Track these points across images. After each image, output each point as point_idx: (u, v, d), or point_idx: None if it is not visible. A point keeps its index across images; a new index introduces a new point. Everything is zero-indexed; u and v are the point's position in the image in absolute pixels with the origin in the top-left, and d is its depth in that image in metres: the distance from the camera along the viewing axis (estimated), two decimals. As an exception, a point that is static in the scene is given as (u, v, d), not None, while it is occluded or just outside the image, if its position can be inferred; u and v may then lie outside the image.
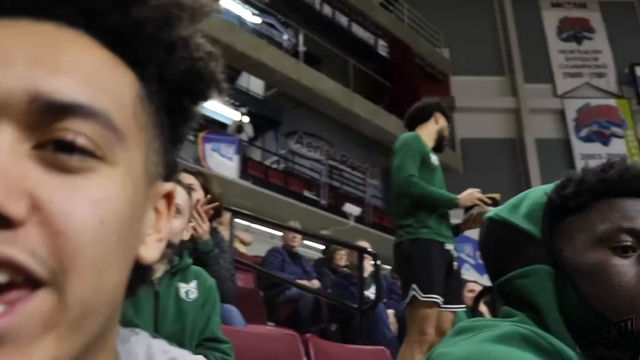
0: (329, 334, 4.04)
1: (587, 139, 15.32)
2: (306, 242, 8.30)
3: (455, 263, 2.70)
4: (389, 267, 6.04)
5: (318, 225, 10.13)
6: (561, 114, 15.65)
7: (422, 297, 2.50)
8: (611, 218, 0.70)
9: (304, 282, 4.70)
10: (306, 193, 11.11)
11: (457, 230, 2.77)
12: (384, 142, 13.34)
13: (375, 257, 3.96)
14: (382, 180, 14.65)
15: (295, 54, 11.70)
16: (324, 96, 11.56)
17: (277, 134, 12.76)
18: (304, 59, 11.56)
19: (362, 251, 4.11)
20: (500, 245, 0.79)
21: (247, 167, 10.19)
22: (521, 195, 0.82)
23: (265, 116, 12.24)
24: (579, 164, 14.62)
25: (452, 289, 2.70)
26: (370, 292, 4.17)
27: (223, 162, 9.65)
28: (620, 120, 15.46)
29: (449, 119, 2.93)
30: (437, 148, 2.88)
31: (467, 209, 2.63)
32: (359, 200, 12.11)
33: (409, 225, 2.66)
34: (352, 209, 10.99)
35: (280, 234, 5.80)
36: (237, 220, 4.93)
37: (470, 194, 2.64)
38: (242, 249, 5.92)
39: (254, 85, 12.43)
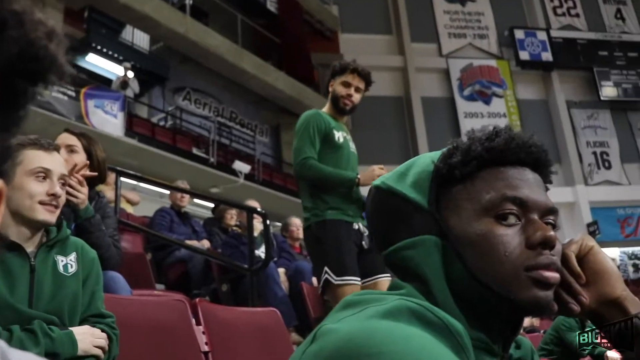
0: (220, 295, 4.65)
1: (470, 98, 19.66)
2: (196, 200, 9.72)
3: (364, 242, 3.09)
4: (279, 223, 7.33)
5: (208, 183, 12.20)
6: (446, 73, 19.90)
7: (335, 280, 2.86)
8: (496, 187, 0.81)
9: (194, 243, 5.32)
10: (195, 151, 12.70)
11: (364, 206, 3.04)
12: (273, 99, 16.34)
13: (264, 217, 4.47)
14: (272, 137, 17.73)
15: (181, 7, 13.63)
16: (212, 52, 13.73)
17: (163, 90, 15.25)
18: (190, 13, 13.35)
19: (251, 211, 4.57)
20: (387, 214, 0.89)
21: (132, 124, 11.45)
22: (409, 163, 0.93)
23: (151, 71, 14.34)
24: (463, 122, 18.98)
25: (370, 261, 3.09)
26: (261, 252, 4.71)
27: (107, 120, 10.70)
28: (501, 80, 19.98)
29: (342, 73, 3.23)
30: (341, 112, 3.27)
31: None
32: (249, 158, 14.34)
33: (315, 208, 3.06)
34: (241, 166, 12.65)
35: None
36: (123, 179, 5.35)
37: (371, 172, 3.04)
38: (129, 209, 6.52)
39: (139, 39, 14.47)
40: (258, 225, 4.91)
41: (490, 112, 19.76)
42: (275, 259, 5.21)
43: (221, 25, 14.89)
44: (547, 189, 0.90)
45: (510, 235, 0.79)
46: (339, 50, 19.07)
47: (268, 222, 4.51)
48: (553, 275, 0.79)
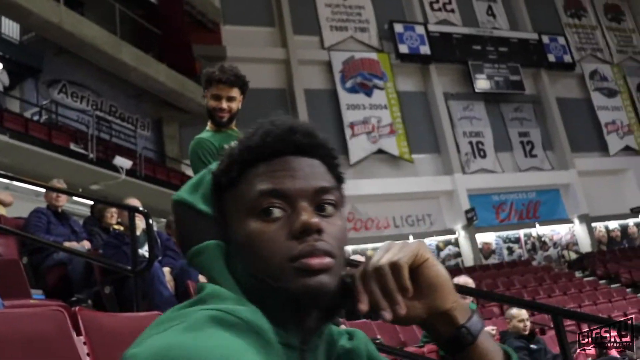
0: (104, 298, 4.50)
1: (352, 90, 20.55)
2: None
3: None
4: (164, 220, 7.15)
5: (87, 180, 12.02)
6: (328, 65, 20.66)
7: None
8: (254, 184, 0.84)
9: (73, 244, 5.09)
10: (73, 146, 12.33)
11: None
12: (154, 92, 16.34)
13: (147, 216, 4.38)
14: (154, 131, 17.72)
15: None
16: (89, 42, 13.50)
17: (37, 82, 14.88)
18: (65, 2, 12.97)
19: (133, 210, 4.47)
20: (184, 225, 0.98)
21: (3, 119, 10.90)
22: (202, 174, 1.02)
23: (23, 63, 14.05)
24: (345, 114, 19.84)
25: None
26: (145, 251, 4.58)
27: None
28: (381, 73, 21.03)
29: (209, 85, 3.11)
30: (220, 125, 3.14)
31: None
32: (130, 153, 14.12)
33: None
34: (123, 162, 12.34)
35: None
36: None
37: None
38: (1, 210, 6.29)
39: (8, 28, 14.10)
40: (141, 223, 4.72)
41: (372, 104, 20.73)
42: (160, 258, 4.96)
43: (98, 15, 14.68)
44: (335, 167, 0.93)
45: (274, 231, 0.81)
46: (222, 42, 19.37)
47: (151, 220, 4.39)
48: (318, 262, 0.80)
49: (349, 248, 18.38)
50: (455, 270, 17.55)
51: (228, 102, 3.10)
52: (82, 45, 13.59)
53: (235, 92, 3.12)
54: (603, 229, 23.39)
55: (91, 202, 7.28)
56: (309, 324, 0.85)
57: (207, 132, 3.19)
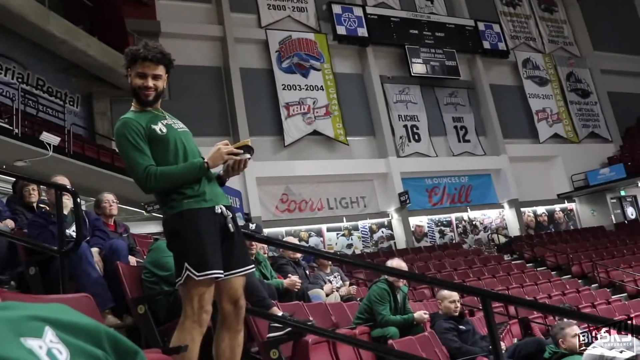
0: (28, 279, 4.39)
1: (289, 70, 20.59)
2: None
3: (230, 225, 3.01)
4: (93, 199, 7.11)
5: (12, 156, 11.58)
6: (265, 44, 20.57)
7: (197, 276, 2.81)
8: None
9: None
10: None
11: (220, 180, 3.16)
12: (85, 66, 16.02)
13: (74, 194, 4.27)
14: (83, 106, 17.30)
15: None
16: (14, 12, 13.18)
17: (-43, 53, 14.29)
18: None
19: (60, 189, 4.33)
20: None
21: None
22: None
23: (-57, 32, 13.47)
24: (281, 94, 19.91)
25: (235, 252, 3.04)
26: (73, 231, 4.44)
27: None
28: (318, 53, 21.08)
29: (134, 62, 3.03)
30: (145, 104, 3.07)
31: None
32: (58, 129, 13.67)
33: (170, 200, 2.95)
34: (50, 138, 11.84)
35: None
36: None
37: (218, 152, 3.00)
38: None
39: None
40: (68, 202, 4.55)
41: (308, 85, 20.77)
42: (88, 238, 4.83)
43: (25, -17, 14.15)
44: None
45: None
46: (156, 17, 19.02)
47: (79, 200, 4.27)
48: None
49: (282, 230, 18.54)
50: (388, 253, 17.93)
51: (154, 80, 3.05)
52: (7, 14, 13.25)
53: (161, 70, 3.07)
54: (531, 214, 24.27)
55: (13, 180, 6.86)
56: None
57: (132, 113, 3.10)
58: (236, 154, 3.00)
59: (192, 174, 2.97)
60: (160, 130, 3.02)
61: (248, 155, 3.03)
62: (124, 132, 2.97)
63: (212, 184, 3.09)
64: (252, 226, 6.38)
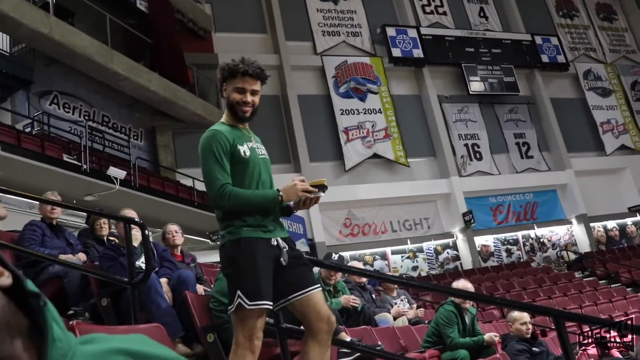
0: (101, 310, 4.48)
1: (346, 95, 20.57)
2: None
3: (282, 259, 2.97)
4: (160, 230, 6.45)
5: (82, 191, 11.90)
6: (321, 71, 20.68)
7: (248, 305, 2.78)
8: None
9: (69, 257, 5.08)
10: (66, 158, 12.09)
11: (289, 210, 3.13)
12: (146, 101, 16.38)
13: (142, 227, 4.32)
14: (147, 140, 17.65)
15: (44, 5, 13.23)
16: (80, 53, 13.54)
17: (28, 94, 14.87)
18: (54, 12, 13.11)
19: (128, 221, 4.42)
20: None
21: None
22: None
23: (13, 75, 14.03)
24: (340, 119, 19.86)
25: (297, 275, 3.02)
26: (142, 262, 4.54)
27: None
28: (375, 77, 21.03)
29: (233, 77, 3.03)
30: (241, 120, 3.11)
31: None
32: (124, 163, 13.95)
33: (230, 225, 2.93)
34: (116, 172, 12.16)
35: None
36: None
37: (293, 188, 2.96)
38: None
39: None
40: (137, 235, 4.65)
41: (366, 109, 20.73)
42: (157, 268, 4.94)
43: (89, 25, 14.66)
44: None
45: None
46: (213, 50, 19.37)
47: (147, 232, 4.36)
48: None
49: (347, 254, 18.40)
50: (454, 274, 17.55)
51: (252, 96, 3.06)
52: (72, 55, 13.61)
53: (259, 86, 3.09)
54: (601, 229, 23.40)
55: (85, 214, 7.02)
56: None
57: (222, 125, 3.10)
58: (310, 192, 2.98)
59: (265, 203, 2.96)
60: (244, 152, 3.01)
61: (322, 194, 3.03)
62: (210, 144, 2.97)
63: (275, 215, 3.07)
64: (335, 256, 6.32)
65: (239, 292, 2.81)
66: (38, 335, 0.82)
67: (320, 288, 3.12)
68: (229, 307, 2.89)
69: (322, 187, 3.00)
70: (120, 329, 3.09)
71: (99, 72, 14.58)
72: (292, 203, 3.07)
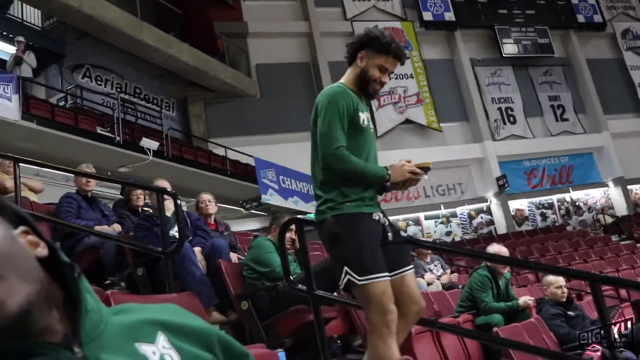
0: (136, 280, 4.58)
1: (377, 61, 20.11)
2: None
3: (389, 234, 2.92)
4: (193, 199, 6.78)
5: (115, 163, 12.02)
6: (351, 36, 20.13)
7: (359, 281, 2.67)
8: None
9: (104, 228, 5.19)
10: (99, 130, 12.23)
11: (382, 188, 2.99)
12: (177, 72, 16.44)
13: (175, 197, 4.35)
14: (179, 111, 17.76)
15: None
16: (110, 25, 13.68)
17: (61, 68, 15.05)
18: None
19: (161, 192, 4.45)
20: None
21: (29, 106, 10.87)
22: None
23: (46, 49, 14.11)
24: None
25: (398, 252, 2.95)
26: (176, 232, 4.54)
27: (1, 103, 9.99)
28: (406, 41, 20.76)
29: (378, 52, 2.91)
30: (366, 95, 2.99)
31: None
32: (157, 134, 14.02)
33: (331, 199, 2.81)
34: (149, 143, 12.17)
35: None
36: (23, 166, 5.14)
37: (401, 168, 2.86)
38: (32, 197, 6.26)
39: (30, 15, 14.20)
40: (170, 205, 4.67)
41: (398, 74, 20.46)
42: (190, 238, 4.99)
43: (118, -4, 14.68)
44: None
45: None
46: (242, 18, 19.29)
47: (179, 201, 4.35)
48: None
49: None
50: (488, 238, 17.47)
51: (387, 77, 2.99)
52: (103, 28, 13.74)
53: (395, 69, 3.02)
54: (639, 191, 22.98)
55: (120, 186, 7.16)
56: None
57: (346, 87, 2.96)
58: (416, 174, 2.89)
59: (373, 177, 2.88)
60: (363, 121, 2.91)
61: (425, 177, 2.96)
62: (337, 99, 2.84)
63: (373, 190, 2.96)
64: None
65: (346, 269, 2.73)
66: (72, 306, 0.84)
67: (413, 269, 3.05)
68: (339, 284, 2.80)
69: (426, 169, 2.93)
70: (155, 297, 3.12)
71: (129, 44, 14.69)
72: (389, 182, 2.92)
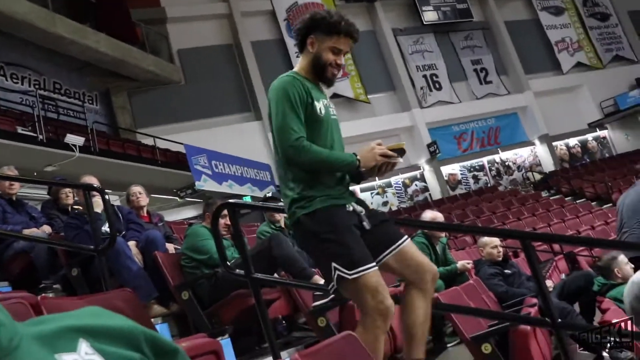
0: (72, 281, 4.45)
1: (300, 38, 20.06)
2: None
3: (364, 223, 2.75)
4: (122, 193, 7.00)
5: (41, 162, 11.64)
6: (272, 14, 20.25)
7: (350, 275, 2.56)
8: None
9: (33, 231, 5.02)
10: (20, 130, 11.82)
11: (359, 177, 2.84)
12: (97, 63, 16.04)
13: (102, 192, 4.28)
14: (102, 104, 17.35)
15: None
16: (21, 20, 13.19)
17: (-27, 68, 14.40)
18: None
19: (87, 188, 4.37)
20: None
21: None
22: None
23: (-46, 49, 13.57)
24: (296, 62, 19.40)
25: (381, 234, 2.79)
26: (107, 228, 4.44)
27: None
28: (327, 16, 20.52)
29: (329, 34, 2.75)
30: (324, 81, 2.86)
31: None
32: (81, 129, 13.61)
33: (300, 199, 2.69)
34: (75, 139, 11.86)
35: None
36: None
37: (371, 152, 2.68)
38: None
39: None
40: (99, 201, 4.50)
41: (321, 49, 20.47)
42: (124, 232, 4.88)
43: (26, -11, 14.11)
44: None
45: None
46: (160, 4, 18.89)
47: (107, 197, 4.25)
48: None
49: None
50: (424, 205, 17.83)
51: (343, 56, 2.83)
52: (14, 23, 13.26)
53: (349, 47, 2.84)
54: (564, 147, 23.87)
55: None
56: None
57: (299, 76, 2.78)
58: (389, 157, 2.68)
59: (340, 166, 2.70)
60: (319, 110, 2.73)
61: (400, 159, 2.78)
62: (287, 89, 2.67)
63: (345, 181, 2.82)
64: (268, 193, 6.30)
65: (334, 265, 2.58)
66: None
67: (409, 239, 2.87)
68: (330, 285, 2.64)
69: (401, 152, 2.71)
70: (88, 299, 2.97)
71: (43, 38, 14.24)
72: (362, 169, 2.72)
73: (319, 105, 2.73)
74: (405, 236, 2.84)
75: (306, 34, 2.79)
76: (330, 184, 2.71)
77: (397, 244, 2.76)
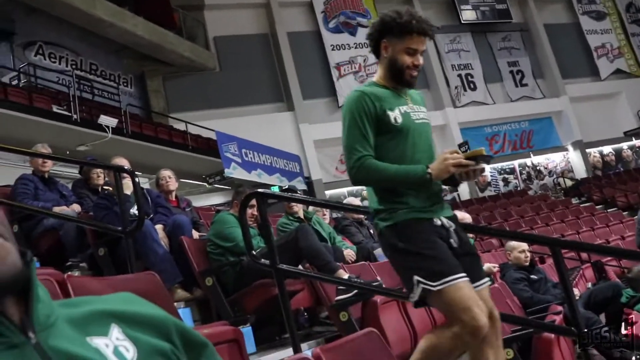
0: (98, 260, 4.51)
1: (336, 30, 20.34)
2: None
3: (452, 240, 2.61)
4: (152, 176, 7.10)
5: (74, 142, 11.82)
6: (310, 6, 20.30)
7: (434, 287, 2.43)
8: None
9: (63, 209, 5.07)
10: (55, 109, 12.03)
11: (455, 181, 2.69)
12: (134, 47, 16.17)
13: (132, 175, 4.32)
14: (137, 86, 17.51)
15: None
16: (61, 0, 13.30)
17: (11, 46, 14.68)
18: None
19: (118, 170, 4.38)
20: None
21: None
22: None
23: (-6, 27, 13.74)
24: (331, 55, 19.57)
25: (467, 264, 2.59)
26: (136, 210, 4.46)
27: None
28: (364, 10, 20.75)
29: (402, 35, 2.61)
30: (404, 84, 2.72)
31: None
32: (115, 111, 13.74)
33: (383, 210, 2.61)
34: (108, 120, 12.03)
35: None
36: None
37: (443, 163, 2.53)
38: None
39: None
40: (129, 182, 4.54)
41: (357, 43, 20.45)
42: (152, 215, 4.90)
43: (68, -30, 14.24)
44: None
45: None
46: (199, -9, 18.97)
47: (137, 179, 4.29)
48: None
49: (344, 190, 18.49)
50: (452, 205, 17.65)
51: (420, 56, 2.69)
52: (53, 3, 13.39)
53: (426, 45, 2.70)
54: (597, 154, 23.49)
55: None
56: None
57: (373, 86, 2.71)
58: (465, 165, 2.52)
59: (409, 181, 2.57)
60: (395, 119, 2.61)
61: (482, 166, 2.59)
62: (352, 107, 2.60)
63: (432, 192, 2.65)
64: (285, 186, 6.26)
65: (416, 278, 2.45)
66: (19, 294, 0.82)
67: (489, 283, 2.72)
68: (410, 296, 2.52)
69: (483, 157, 2.56)
70: (114, 279, 3.04)
71: (82, 18, 14.34)
72: (457, 175, 2.59)
73: (394, 114, 2.62)
74: (487, 279, 2.73)
75: (379, 39, 2.68)
76: (413, 195, 2.59)
77: (479, 283, 2.61)
